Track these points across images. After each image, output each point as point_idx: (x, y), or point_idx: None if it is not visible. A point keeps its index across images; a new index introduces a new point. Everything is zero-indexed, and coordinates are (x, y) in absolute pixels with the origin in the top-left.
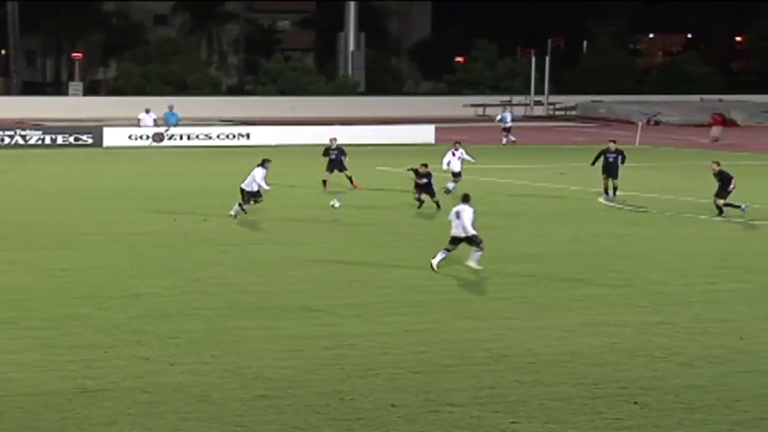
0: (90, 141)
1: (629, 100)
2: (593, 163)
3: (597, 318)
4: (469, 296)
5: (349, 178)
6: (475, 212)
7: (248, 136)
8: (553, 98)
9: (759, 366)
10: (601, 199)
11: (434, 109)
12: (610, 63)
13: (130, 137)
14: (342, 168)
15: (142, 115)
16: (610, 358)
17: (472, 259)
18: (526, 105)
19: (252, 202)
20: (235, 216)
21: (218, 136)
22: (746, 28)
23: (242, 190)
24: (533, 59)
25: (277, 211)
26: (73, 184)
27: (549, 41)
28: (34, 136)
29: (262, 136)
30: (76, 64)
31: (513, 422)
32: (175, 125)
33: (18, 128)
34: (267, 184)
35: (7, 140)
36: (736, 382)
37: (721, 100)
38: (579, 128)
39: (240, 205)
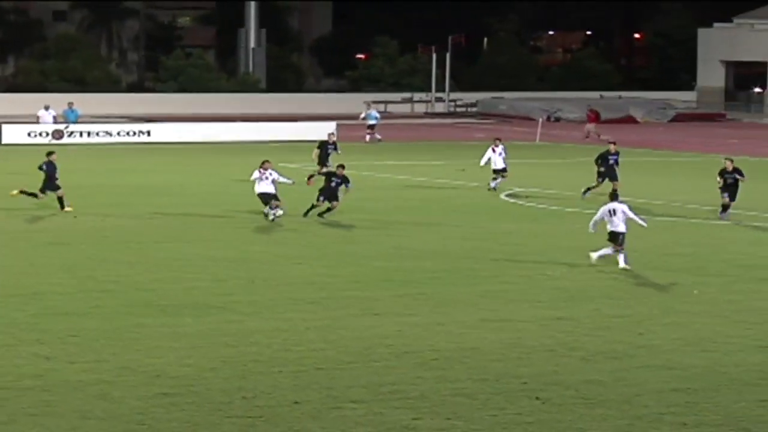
0: None
1: (530, 96)
2: (598, 166)
3: (498, 314)
4: (370, 293)
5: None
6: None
7: (149, 133)
8: (454, 95)
9: (658, 361)
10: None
11: (336, 106)
12: (510, 60)
13: (29, 134)
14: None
15: (42, 112)
16: (512, 354)
17: (622, 261)
18: (427, 102)
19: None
20: (272, 219)
21: (119, 133)
22: (644, 26)
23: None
24: (434, 56)
25: (178, 208)
26: None
27: (449, 39)
28: None
29: (163, 133)
30: None
31: (415, 418)
32: (75, 122)
33: None
34: (286, 178)
35: None
36: (635, 377)
37: (620, 97)
38: (480, 125)
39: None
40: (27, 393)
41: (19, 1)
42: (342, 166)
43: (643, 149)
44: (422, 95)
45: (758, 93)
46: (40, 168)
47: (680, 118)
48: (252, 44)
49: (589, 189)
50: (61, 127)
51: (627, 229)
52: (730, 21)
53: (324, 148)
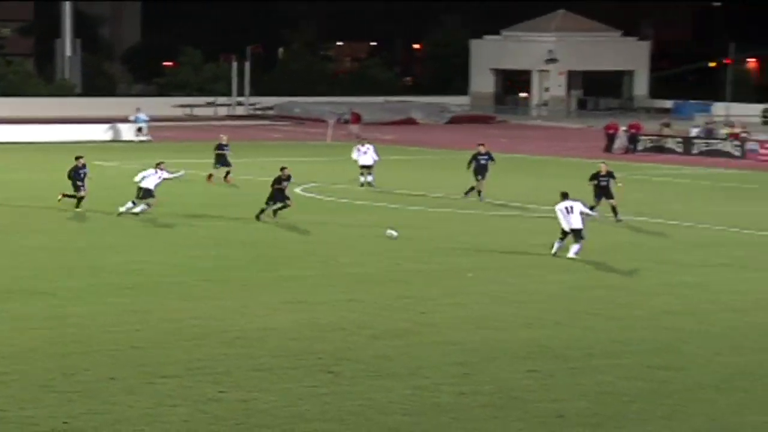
0: None
1: (321, 101)
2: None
3: (297, 297)
4: (183, 279)
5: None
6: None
7: None
8: (253, 99)
9: (438, 337)
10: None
11: (146, 109)
12: (303, 67)
13: None
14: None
15: None
16: (307, 333)
17: (572, 251)
18: (228, 105)
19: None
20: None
21: None
22: (423, 38)
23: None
24: (234, 64)
25: (7, 200)
26: None
27: (248, 48)
28: None
29: None
30: None
31: (221, 391)
32: None
33: None
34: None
35: None
36: (418, 352)
37: (403, 102)
38: (276, 126)
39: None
40: None
41: None
42: (284, 168)
43: (422, 148)
44: (224, 99)
45: (524, 97)
46: None
47: (456, 120)
48: (68, 53)
49: (472, 189)
50: None
51: (584, 224)
52: (499, 33)
53: (220, 148)
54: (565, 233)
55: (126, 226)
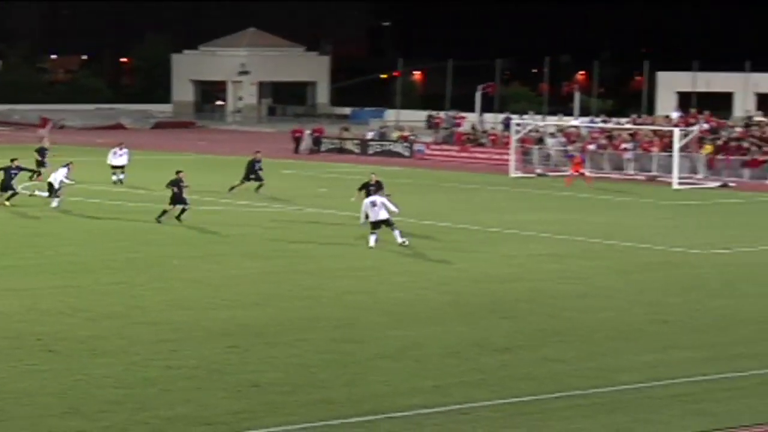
0: None
1: (40, 108)
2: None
3: (20, 284)
4: None
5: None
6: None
7: None
8: None
9: (148, 319)
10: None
11: None
12: (23, 79)
13: None
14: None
15: None
16: (30, 317)
17: (398, 238)
18: None
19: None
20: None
21: None
22: (130, 52)
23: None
24: None
25: None
26: None
27: None
28: None
29: None
30: None
31: None
32: None
33: None
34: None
35: None
36: (130, 332)
37: (112, 109)
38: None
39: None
40: None
41: None
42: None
43: (131, 150)
44: None
45: (220, 105)
46: None
47: (160, 125)
48: None
49: (234, 187)
50: None
51: (389, 215)
52: (197, 48)
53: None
54: (374, 225)
55: None
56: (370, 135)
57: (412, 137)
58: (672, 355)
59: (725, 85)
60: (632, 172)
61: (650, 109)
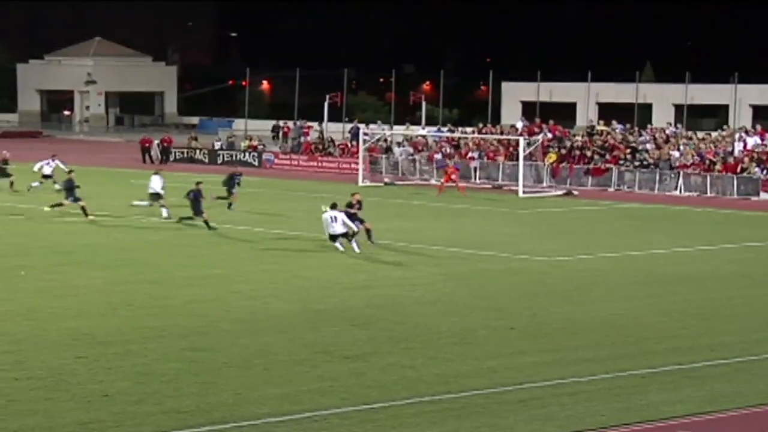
0: None
1: None
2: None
3: None
4: None
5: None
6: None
7: None
8: None
9: None
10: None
11: None
12: None
13: None
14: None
15: None
16: None
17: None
18: None
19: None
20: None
21: None
22: None
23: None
24: None
25: None
26: None
27: None
28: None
29: None
30: None
31: None
32: None
33: None
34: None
35: None
36: None
37: None
38: None
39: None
40: None
41: None
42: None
43: None
44: None
45: (67, 115)
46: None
47: (6, 135)
48: None
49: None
50: None
51: (345, 230)
52: (43, 58)
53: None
54: (332, 238)
55: None
56: (218, 145)
57: (260, 147)
58: (517, 360)
59: (568, 95)
60: (479, 180)
61: (495, 119)
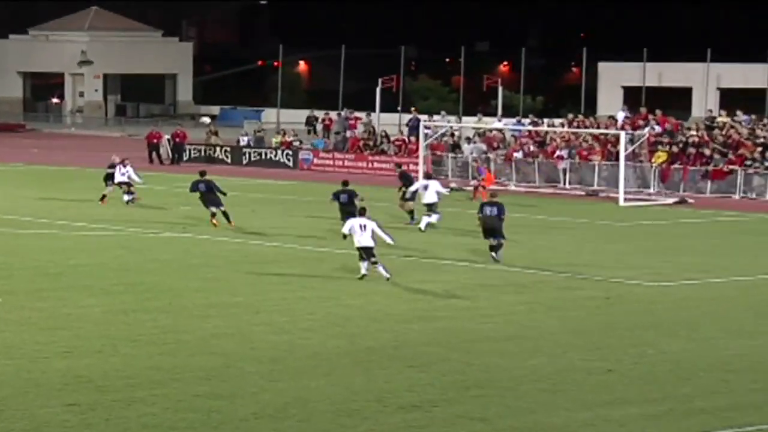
0: None
1: None
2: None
3: None
4: None
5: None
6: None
7: None
8: None
9: None
10: None
11: None
12: None
13: None
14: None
15: None
16: None
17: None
18: None
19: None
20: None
21: None
22: None
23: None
24: None
25: None
26: None
27: None
28: None
29: None
30: None
31: None
32: None
33: None
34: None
35: None
36: None
37: None
38: None
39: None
40: None
41: None
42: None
43: None
44: None
45: (56, 103)
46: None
47: None
48: None
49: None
50: None
51: (375, 243)
52: (26, 33)
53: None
54: (362, 252)
55: None
56: (244, 141)
57: (296, 143)
58: (618, 412)
59: (682, 79)
60: (569, 185)
61: (590, 109)
